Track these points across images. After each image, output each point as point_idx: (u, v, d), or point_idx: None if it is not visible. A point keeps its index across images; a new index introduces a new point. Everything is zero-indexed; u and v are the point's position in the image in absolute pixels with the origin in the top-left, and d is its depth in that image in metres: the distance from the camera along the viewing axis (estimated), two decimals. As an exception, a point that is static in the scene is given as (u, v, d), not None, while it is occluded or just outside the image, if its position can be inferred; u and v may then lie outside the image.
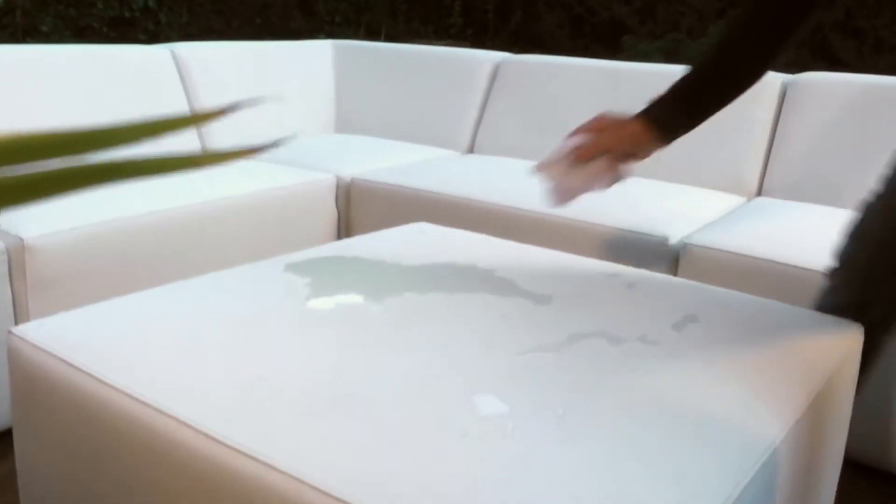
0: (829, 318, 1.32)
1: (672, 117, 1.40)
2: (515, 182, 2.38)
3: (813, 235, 1.91)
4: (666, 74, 2.72)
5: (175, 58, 2.86)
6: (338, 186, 2.54)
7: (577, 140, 1.39)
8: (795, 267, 1.79)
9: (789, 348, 1.18)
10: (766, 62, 1.36)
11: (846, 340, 1.25)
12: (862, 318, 1.35)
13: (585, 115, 2.49)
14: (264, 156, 2.75)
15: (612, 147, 1.39)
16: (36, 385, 1.09)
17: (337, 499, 0.79)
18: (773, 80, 2.54)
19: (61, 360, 1.06)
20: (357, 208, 2.53)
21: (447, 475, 0.82)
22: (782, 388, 1.06)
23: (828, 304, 1.45)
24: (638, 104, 2.69)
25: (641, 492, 0.81)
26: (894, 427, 1.74)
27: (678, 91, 1.40)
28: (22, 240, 1.76)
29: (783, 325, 1.27)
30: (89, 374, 1.02)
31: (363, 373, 1.03)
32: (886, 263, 1.42)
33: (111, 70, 2.64)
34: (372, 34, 7.37)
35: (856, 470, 1.77)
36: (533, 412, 0.95)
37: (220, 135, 2.92)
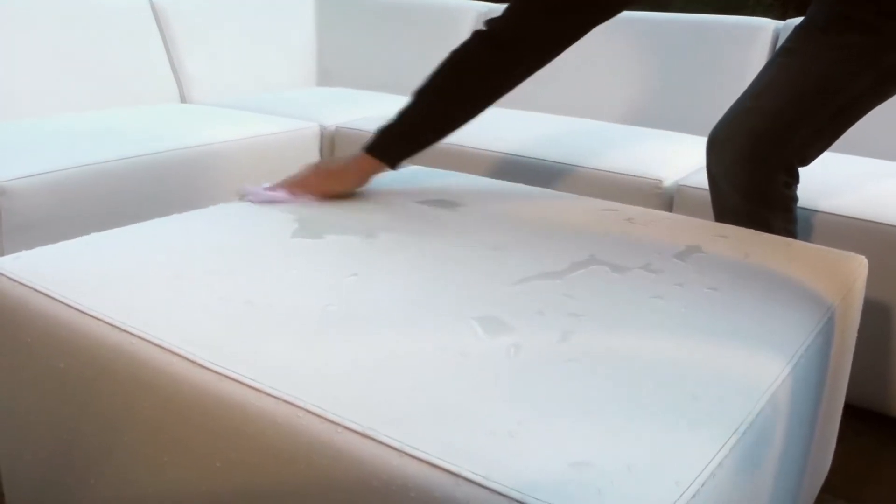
0: (834, 251, 1.28)
1: (399, 150, 1.44)
2: (506, 128, 2.34)
3: (808, 175, 1.88)
4: (654, 22, 2.70)
5: (153, 7, 2.78)
6: (322, 135, 2.48)
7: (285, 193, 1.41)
8: (805, 209, 1.76)
9: (795, 278, 1.14)
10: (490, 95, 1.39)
11: (851, 270, 1.22)
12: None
13: (570, 65, 2.45)
14: (246, 105, 2.68)
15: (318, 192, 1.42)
16: (13, 320, 1.04)
17: (333, 422, 0.75)
18: (765, 26, 2.50)
19: (40, 292, 1.01)
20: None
21: (448, 395, 0.78)
22: (790, 314, 1.03)
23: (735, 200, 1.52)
24: (622, 51, 2.66)
25: (655, 409, 0.77)
26: (891, 369, 1.72)
27: (406, 126, 1.43)
28: (-3, 183, 1.70)
29: (787, 256, 1.23)
30: (70, 306, 0.97)
31: (355, 298, 0.98)
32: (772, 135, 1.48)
33: (89, 20, 2.56)
34: None
35: (851, 412, 1.75)
36: (536, 333, 0.91)
37: (200, 87, 2.85)
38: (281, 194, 1.39)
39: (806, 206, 1.74)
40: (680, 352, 0.89)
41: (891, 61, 1.40)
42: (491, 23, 1.37)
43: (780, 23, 2.52)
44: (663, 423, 0.75)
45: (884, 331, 1.71)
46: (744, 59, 2.48)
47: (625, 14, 2.75)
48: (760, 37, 2.49)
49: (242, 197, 1.40)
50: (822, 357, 1.06)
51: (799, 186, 1.55)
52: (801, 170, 1.53)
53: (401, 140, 1.44)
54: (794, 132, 1.46)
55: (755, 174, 1.49)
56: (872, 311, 1.70)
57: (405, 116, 1.42)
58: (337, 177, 1.45)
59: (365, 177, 1.47)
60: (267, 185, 1.42)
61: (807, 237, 1.76)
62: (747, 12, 4.85)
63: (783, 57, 1.51)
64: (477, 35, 1.38)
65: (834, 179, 1.89)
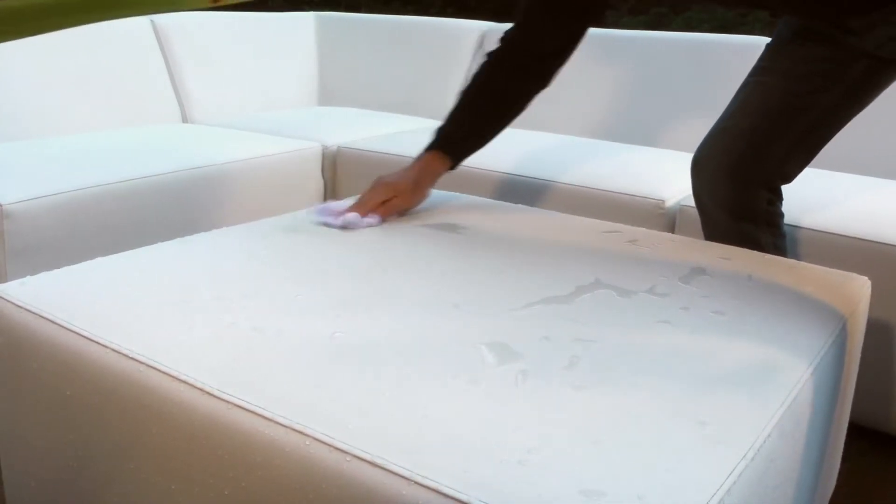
0: (837, 271, 1.29)
1: (462, 148, 1.52)
2: (506, 147, 2.34)
3: (809, 194, 1.88)
4: (655, 41, 2.71)
5: (155, 28, 2.79)
6: (324, 155, 2.49)
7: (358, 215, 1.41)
8: (796, 227, 1.76)
9: (800, 300, 1.15)
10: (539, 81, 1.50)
11: (855, 291, 1.22)
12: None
13: (573, 84, 2.49)
14: (248, 125, 2.69)
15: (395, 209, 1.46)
16: (19, 346, 1.04)
17: (343, 451, 0.75)
18: (763, 45, 2.51)
19: (46, 318, 1.01)
20: (343, 177, 2.48)
21: (457, 424, 0.78)
22: (797, 337, 1.03)
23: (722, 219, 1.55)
24: (622, 71, 2.67)
25: (665, 435, 0.77)
26: (894, 388, 1.72)
27: (462, 123, 1.51)
28: (0, 205, 1.70)
29: (791, 278, 1.23)
30: (77, 333, 0.97)
31: (362, 325, 0.98)
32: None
33: (90, 41, 2.57)
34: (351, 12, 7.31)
35: (855, 431, 1.74)
36: (544, 360, 0.91)
37: (202, 107, 2.85)
38: (355, 217, 1.38)
39: (805, 226, 1.75)
40: (687, 377, 0.89)
41: (858, 73, 1.42)
42: (506, 32, 1.48)
43: (779, 41, 2.53)
44: (673, 449, 0.75)
45: (884, 350, 1.71)
46: (743, 77, 2.47)
47: (626, 33, 2.77)
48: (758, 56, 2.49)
49: (319, 222, 1.39)
50: (833, 375, 1.06)
51: (789, 204, 1.56)
52: (790, 186, 1.54)
53: (463, 136, 1.51)
54: (770, 149, 1.48)
55: (737, 193, 1.51)
56: (873, 331, 1.70)
57: (459, 115, 1.49)
58: (411, 191, 1.47)
59: (432, 183, 1.50)
60: (335, 204, 1.44)
61: (807, 256, 1.76)
62: (746, 30, 4.87)
63: (755, 76, 1.54)
64: (499, 41, 1.49)
65: (833, 198, 1.89)
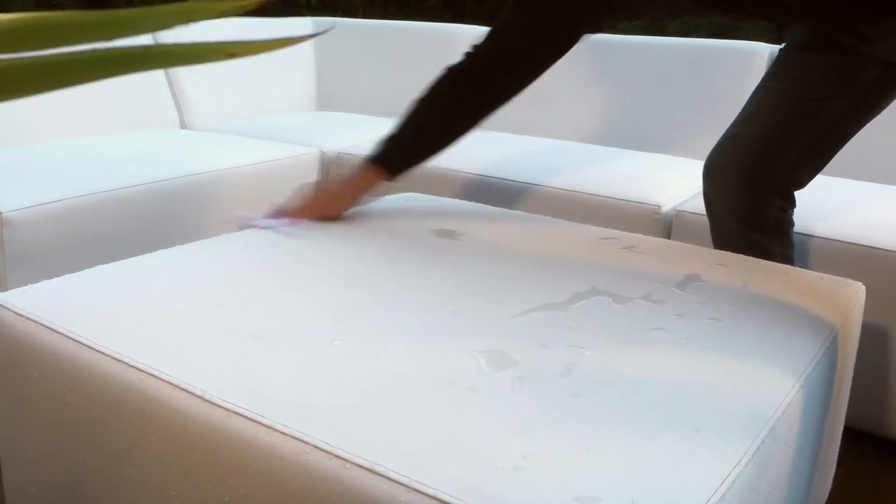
0: (832, 277, 1.30)
1: (402, 160, 1.50)
2: (503, 153, 2.35)
3: (808, 201, 1.89)
4: (650, 47, 2.72)
5: (153, 34, 2.80)
6: (322, 161, 2.50)
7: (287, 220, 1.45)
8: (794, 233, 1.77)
9: (794, 306, 1.16)
10: (480, 114, 1.47)
11: (849, 297, 1.23)
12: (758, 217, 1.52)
13: (569, 89, 2.49)
14: (247, 131, 2.70)
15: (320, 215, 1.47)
16: (20, 354, 1.05)
17: (342, 458, 0.76)
18: (760, 50, 2.53)
19: (47, 327, 1.02)
20: (342, 183, 2.49)
21: (455, 430, 0.79)
22: (791, 343, 1.04)
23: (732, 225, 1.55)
24: (618, 76, 2.69)
25: (660, 442, 0.78)
26: (889, 392, 1.73)
27: (407, 135, 1.48)
28: (0, 213, 1.71)
29: (785, 284, 1.24)
30: (77, 340, 0.98)
31: (361, 332, 0.99)
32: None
33: (87, 46, 2.57)
34: (348, 17, 7.33)
35: (850, 435, 1.75)
36: (540, 367, 0.92)
37: (200, 113, 2.86)
38: (280, 221, 1.43)
39: (801, 231, 1.76)
40: (682, 384, 0.90)
41: (871, 80, 1.43)
42: (475, 45, 1.47)
43: (776, 46, 2.55)
44: (667, 456, 0.76)
45: (880, 354, 1.72)
46: (739, 82, 2.50)
47: (621, 38, 2.78)
48: (756, 61, 2.51)
49: (242, 226, 1.43)
50: (825, 383, 1.07)
51: (794, 211, 1.57)
52: (797, 194, 1.55)
53: (405, 150, 1.48)
54: (782, 156, 1.49)
55: (749, 200, 1.52)
56: (868, 335, 1.71)
57: (406, 127, 1.46)
58: (333, 200, 1.49)
59: (362, 193, 1.50)
60: (264, 213, 1.45)
61: (803, 262, 1.77)
62: (742, 35, 4.88)
63: (768, 82, 1.55)
64: (465, 55, 1.47)
65: (828, 203, 1.91)
